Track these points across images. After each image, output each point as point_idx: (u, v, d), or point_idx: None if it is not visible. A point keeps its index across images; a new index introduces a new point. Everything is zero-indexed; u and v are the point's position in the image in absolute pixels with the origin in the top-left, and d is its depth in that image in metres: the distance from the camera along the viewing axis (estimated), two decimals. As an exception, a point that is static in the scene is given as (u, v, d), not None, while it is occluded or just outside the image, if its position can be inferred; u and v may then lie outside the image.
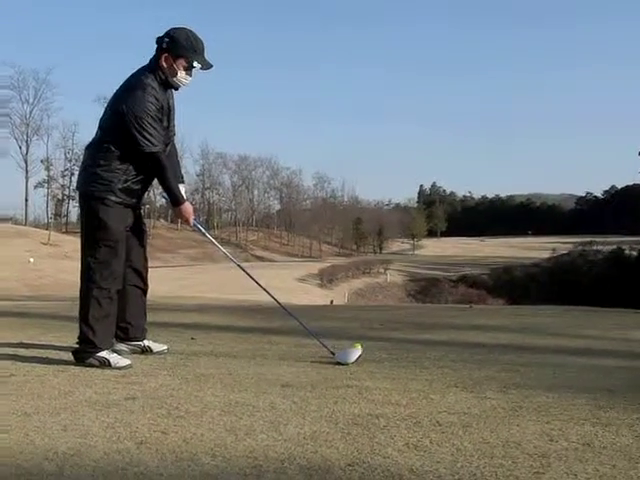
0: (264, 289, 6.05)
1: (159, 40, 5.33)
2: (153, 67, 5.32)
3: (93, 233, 5.31)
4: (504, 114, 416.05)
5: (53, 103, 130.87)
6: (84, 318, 5.24)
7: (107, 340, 5.29)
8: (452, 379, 4.74)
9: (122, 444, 3.13)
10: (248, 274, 6.05)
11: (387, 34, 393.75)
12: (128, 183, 5.31)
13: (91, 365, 5.12)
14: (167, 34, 5.32)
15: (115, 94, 5.39)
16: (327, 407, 3.86)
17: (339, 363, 5.36)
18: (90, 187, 5.33)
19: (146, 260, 5.77)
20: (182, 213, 5.52)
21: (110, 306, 5.29)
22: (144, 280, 5.71)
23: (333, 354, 5.48)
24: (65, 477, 2.70)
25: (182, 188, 5.56)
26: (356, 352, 5.45)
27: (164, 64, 5.29)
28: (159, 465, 2.83)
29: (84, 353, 5.20)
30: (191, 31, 5.38)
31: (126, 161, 5.27)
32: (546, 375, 5.02)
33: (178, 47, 5.29)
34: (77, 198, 5.98)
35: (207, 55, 5.41)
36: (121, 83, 5.39)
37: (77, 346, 5.27)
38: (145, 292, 5.75)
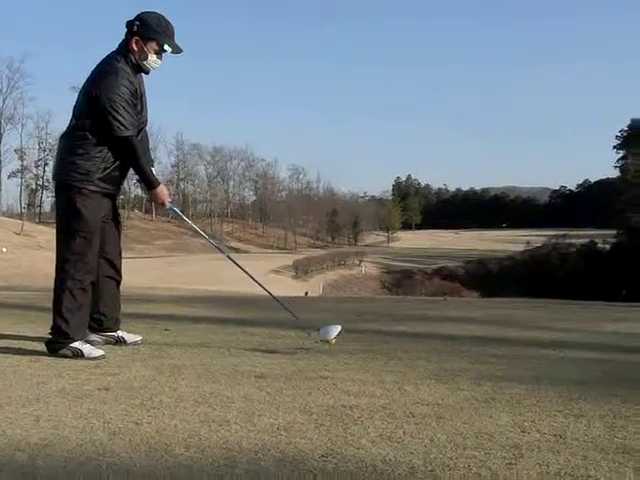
0: (243, 269, 6.02)
1: (129, 23, 5.28)
2: (124, 51, 5.28)
3: (69, 223, 5.27)
4: (479, 107, 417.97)
5: (27, 92, 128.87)
6: (58, 309, 5.21)
7: (80, 331, 5.26)
8: (426, 371, 4.76)
9: (95, 435, 3.12)
10: (229, 257, 6.04)
11: (361, 28, 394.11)
12: (108, 170, 5.26)
13: (64, 356, 5.09)
14: (138, 17, 5.27)
15: (87, 80, 5.33)
16: (301, 398, 3.86)
17: (322, 340, 5.45)
18: (67, 176, 5.27)
19: (120, 251, 5.74)
20: (158, 196, 5.49)
21: (84, 297, 5.26)
22: (118, 271, 5.68)
23: (318, 330, 5.57)
24: (37, 468, 2.68)
25: (153, 170, 5.52)
26: (336, 328, 5.53)
27: (134, 47, 5.25)
28: (132, 456, 2.82)
29: (57, 344, 5.17)
30: (162, 15, 5.34)
31: (104, 147, 5.22)
32: (519, 367, 5.05)
33: (149, 30, 5.25)
34: (53, 188, 5.93)
35: (177, 40, 5.38)
36: (92, 69, 5.35)
37: (50, 337, 5.25)
38: (119, 283, 5.72)
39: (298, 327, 5.76)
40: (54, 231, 5.41)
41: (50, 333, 5.25)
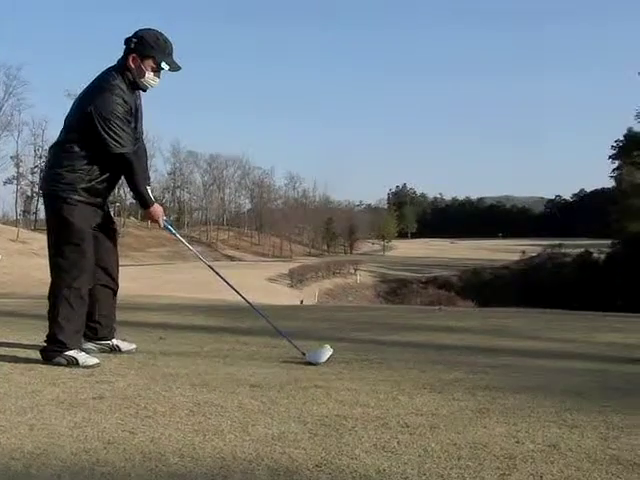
0: (233, 288, 6.04)
1: (127, 41, 5.28)
2: (121, 68, 5.28)
3: (59, 233, 5.28)
4: (475, 117, 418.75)
5: (24, 99, 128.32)
6: (54, 317, 5.20)
7: (76, 339, 5.25)
8: (420, 381, 4.76)
9: (89, 444, 3.12)
10: (218, 274, 6.05)
11: (359, 36, 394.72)
12: (92, 183, 5.28)
13: (59, 364, 5.08)
14: (135, 35, 5.28)
15: (82, 94, 5.35)
16: (295, 408, 3.87)
17: (310, 363, 5.38)
18: (53, 187, 5.32)
19: (117, 259, 5.75)
20: (152, 215, 5.52)
21: (81, 306, 5.25)
22: (114, 279, 5.68)
23: (304, 354, 5.50)
24: (32, 476, 2.68)
25: (148, 189, 5.52)
26: (327, 352, 5.47)
27: (132, 65, 5.25)
28: (126, 465, 2.82)
29: (52, 352, 5.16)
30: (160, 32, 5.34)
31: (90, 161, 5.23)
32: (513, 377, 5.06)
33: (146, 48, 5.24)
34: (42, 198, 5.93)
35: (175, 57, 5.38)
36: (89, 83, 5.36)
37: (45, 345, 5.24)
38: (115, 292, 5.73)
39: (290, 344, 5.72)
40: (47, 238, 5.42)
41: (45, 341, 5.24)
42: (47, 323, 5.26)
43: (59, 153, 5.33)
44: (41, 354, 5.23)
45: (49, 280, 5.32)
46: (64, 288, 5.19)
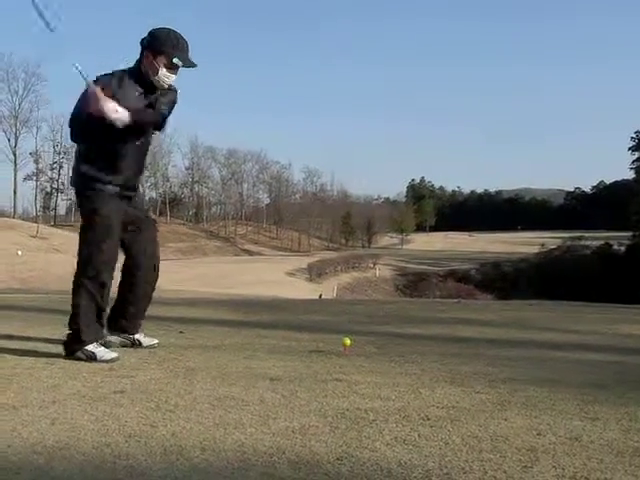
0: None
1: (141, 41, 5.26)
2: (133, 68, 5.24)
3: (81, 226, 5.33)
4: (494, 111, 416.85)
5: (43, 96, 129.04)
6: (72, 308, 5.22)
7: (95, 333, 5.23)
8: (441, 373, 4.75)
9: (111, 437, 3.13)
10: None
11: (378, 30, 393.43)
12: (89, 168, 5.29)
13: (79, 358, 5.10)
14: (149, 33, 5.24)
15: None
16: (316, 401, 3.87)
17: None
18: (74, 181, 5.45)
19: (151, 261, 5.70)
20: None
21: (96, 299, 5.21)
22: (147, 281, 5.66)
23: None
24: (54, 470, 2.69)
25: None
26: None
27: (145, 62, 5.20)
28: (148, 459, 2.83)
29: (72, 346, 5.18)
30: (173, 30, 5.24)
31: (91, 148, 5.27)
32: (534, 369, 5.04)
33: (158, 44, 5.15)
34: (68, 191, 5.99)
35: (191, 55, 5.26)
36: None
37: (65, 339, 5.26)
38: (142, 293, 5.68)
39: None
40: (69, 234, 5.51)
41: (67, 335, 5.26)
42: (68, 317, 5.28)
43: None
44: (63, 348, 5.25)
45: (69, 276, 5.35)
46: (81, 282, 5.20)
